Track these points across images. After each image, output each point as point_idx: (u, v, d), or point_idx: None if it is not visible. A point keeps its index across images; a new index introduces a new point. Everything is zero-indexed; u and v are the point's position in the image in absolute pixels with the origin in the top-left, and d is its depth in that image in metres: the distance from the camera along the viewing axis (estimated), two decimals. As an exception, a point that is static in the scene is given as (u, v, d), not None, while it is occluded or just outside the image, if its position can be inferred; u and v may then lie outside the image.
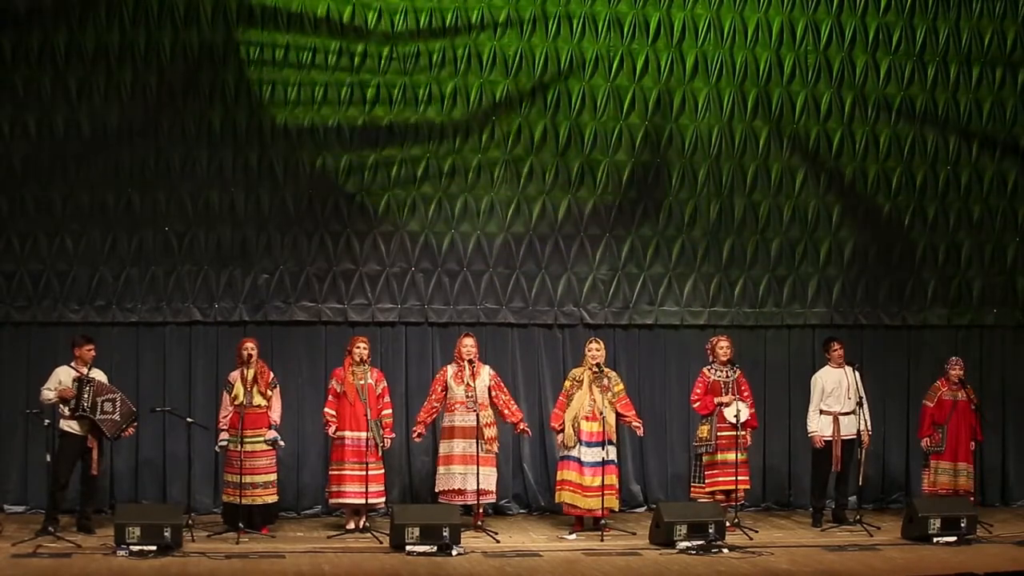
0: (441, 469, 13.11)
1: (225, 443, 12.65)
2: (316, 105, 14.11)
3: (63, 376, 12.51)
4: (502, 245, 14.48)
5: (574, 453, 12.91)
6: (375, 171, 14.22)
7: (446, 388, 13.10)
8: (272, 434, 12.69)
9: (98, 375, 12.62)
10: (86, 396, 12.35)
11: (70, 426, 12.46)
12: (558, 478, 13.10)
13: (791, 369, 14.83)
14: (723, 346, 13.51)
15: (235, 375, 12.78)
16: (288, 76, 14.06)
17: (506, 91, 14.41)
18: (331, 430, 12.91)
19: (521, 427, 13.26)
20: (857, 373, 13.43)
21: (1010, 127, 15.25)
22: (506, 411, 13.15)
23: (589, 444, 12.89)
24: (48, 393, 12.48)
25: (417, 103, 14.30)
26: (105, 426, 12.45)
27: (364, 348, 13.00)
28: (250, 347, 12.81)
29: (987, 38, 15.18)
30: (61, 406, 12.43)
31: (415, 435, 13.19)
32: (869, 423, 13.42)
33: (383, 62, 14.21)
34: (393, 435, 13.12)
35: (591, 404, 12.91)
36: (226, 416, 12.67)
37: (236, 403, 12.60)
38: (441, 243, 14.37)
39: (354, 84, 14.17)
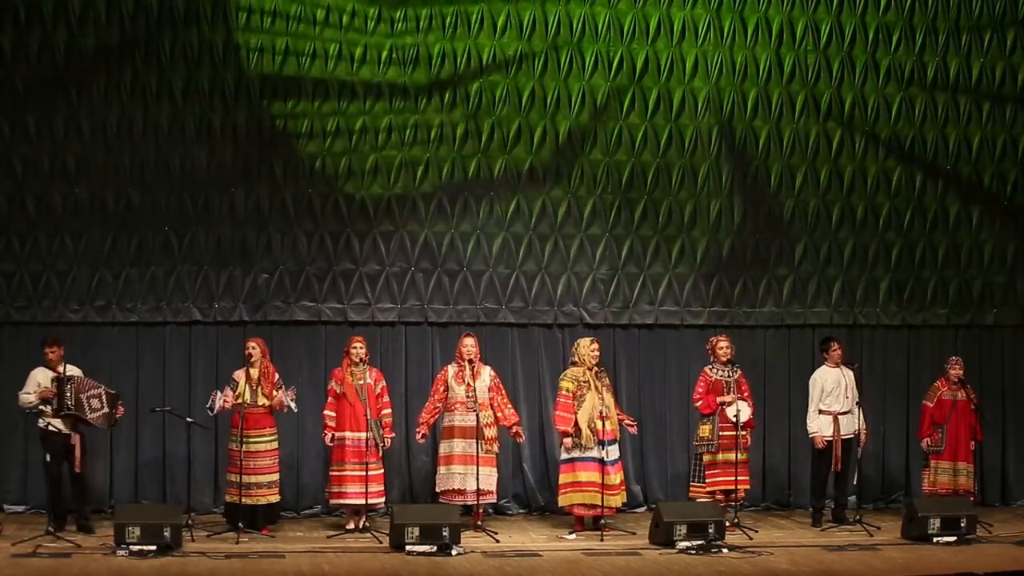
0: (441, 469, 13.11)
1: (216, 404, 12.50)
2: (316, 105, 14.11)
3: (40, 377, 12.45)
4: (502, 245, 14.48)
5: (594, 454, 12.84)
6: (375, 171, 14.22)
7: (447, 388, 13.09)
8: (289, 395, 12.64)
9: (74, 371, 12.54)
10: (68, 394, 12.29)
11: (53, 425, 12.40)
12: (567, 480, 12.98)
13: (791, 369, 14.82)
14: (723, 346, 13.50)
15: (240, 373, 12.78)
16: (287, 77, 14.08)
17: (506, 91, 14.41)
18: (328, 438, 12.90)
19: (514, 430, 13.20)
20: (854, 373, 13.44)
21: (1010, 127, 15.25)
22: (499, 414, 13.11)
23: (608, 443, 12.88)
24: (28, 396, 12.40)
25: (417, 102, 14.30)
26: (99, 422, 12.44)
27: (361, 347, 12.99)
28: (251, 346, 12.79)
29: (987, 38, 15.19)
30: (43, 407, 12.38)
31: (418, 436, 13.16)
32: (863, 423, 13.42)
33: (382, 63, 14.23)
34: (393, 435, 13.11)
35: (601, 403, 12.90)
36: (226, 401, 12.56)
37: (238, 401, 12.60)
38: (441, 243, 14.36)
39: (355, 83, 14.18)
